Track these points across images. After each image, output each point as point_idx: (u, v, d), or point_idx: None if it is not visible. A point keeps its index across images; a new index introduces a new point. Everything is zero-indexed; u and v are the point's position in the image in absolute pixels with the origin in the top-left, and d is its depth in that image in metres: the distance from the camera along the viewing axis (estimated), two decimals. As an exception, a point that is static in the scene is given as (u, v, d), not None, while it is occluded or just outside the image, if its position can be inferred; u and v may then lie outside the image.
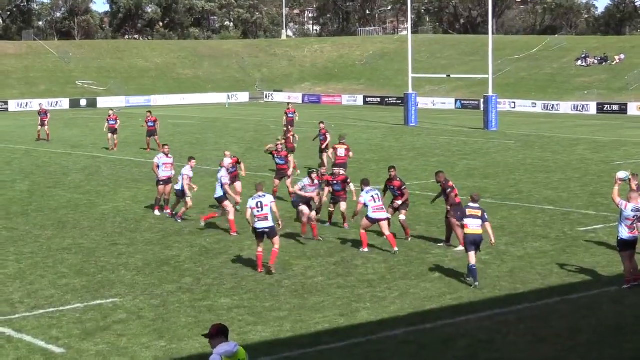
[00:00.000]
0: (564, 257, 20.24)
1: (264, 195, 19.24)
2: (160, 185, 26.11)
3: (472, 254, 17.71)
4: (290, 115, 49.87)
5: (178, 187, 24.95)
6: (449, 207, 21.38)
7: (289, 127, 49.77)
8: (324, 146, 35.52)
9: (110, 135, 44.58)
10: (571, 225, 24.09)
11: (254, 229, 19.03)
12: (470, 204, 18.17)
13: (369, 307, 16.35)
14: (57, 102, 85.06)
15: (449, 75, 77.52)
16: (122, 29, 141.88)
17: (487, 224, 17.99)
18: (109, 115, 44.87)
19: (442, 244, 21.56)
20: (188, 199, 24.79)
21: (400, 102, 75.91)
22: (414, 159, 39.74)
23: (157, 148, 43.56)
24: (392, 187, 22.39)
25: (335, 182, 23.90)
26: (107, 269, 19.43)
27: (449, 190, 21.27)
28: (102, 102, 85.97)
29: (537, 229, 23.63)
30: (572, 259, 20.07)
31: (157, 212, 25.97)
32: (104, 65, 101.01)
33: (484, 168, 36.32)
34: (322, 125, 36.05)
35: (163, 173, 26.15)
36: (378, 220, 20.66)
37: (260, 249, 19.10)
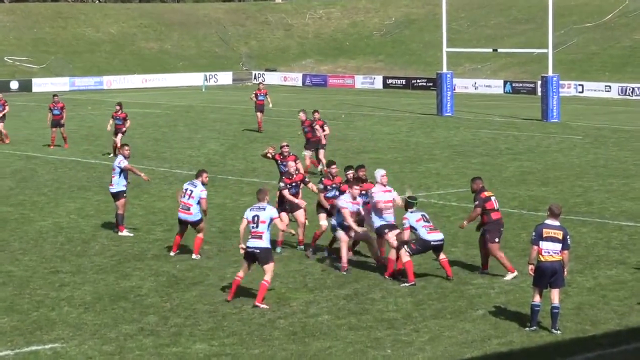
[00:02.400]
0: (648, 289, 20.25)
1: (264, 208, 19.34)
2: (123, 198, 25.86)
3: (540, 290, 17.35)
4: (260, 98, 50.07)
5: (335, 221, 22.23)
6: (465, 223, 21.70)
7: (259, 112, 50.10)
8: (323, 142, 35.77)
9: None
10: (657, 247, 24.10)
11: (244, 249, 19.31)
12: (548, 222, 17.58)
13: (390, 355, 16.36)
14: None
15: (496, 50, 77.49)
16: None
17: (566, 253, 17.50)
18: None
19: (481, 272, 21.56)
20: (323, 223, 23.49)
21: (431, 84, 75.91)
22: (449, 160, 39.75)
23: (63, 143, 43.89)
24: (362, 192, 22.12)
25: (334, 185, 23.33)
26: (46, 305, 19.43)
27: (476, 202, 21.23)
28: (40, 84, 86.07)
29: (612, 252, 23.61)
30: (659, 292, 20.08)
31: (125, 233, 25.73)
32: (41, 36, 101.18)
33: (541, 172, 36.32)
34: (317, 115, 36.42)
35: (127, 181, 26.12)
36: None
37: (241, 274, 19.39)
